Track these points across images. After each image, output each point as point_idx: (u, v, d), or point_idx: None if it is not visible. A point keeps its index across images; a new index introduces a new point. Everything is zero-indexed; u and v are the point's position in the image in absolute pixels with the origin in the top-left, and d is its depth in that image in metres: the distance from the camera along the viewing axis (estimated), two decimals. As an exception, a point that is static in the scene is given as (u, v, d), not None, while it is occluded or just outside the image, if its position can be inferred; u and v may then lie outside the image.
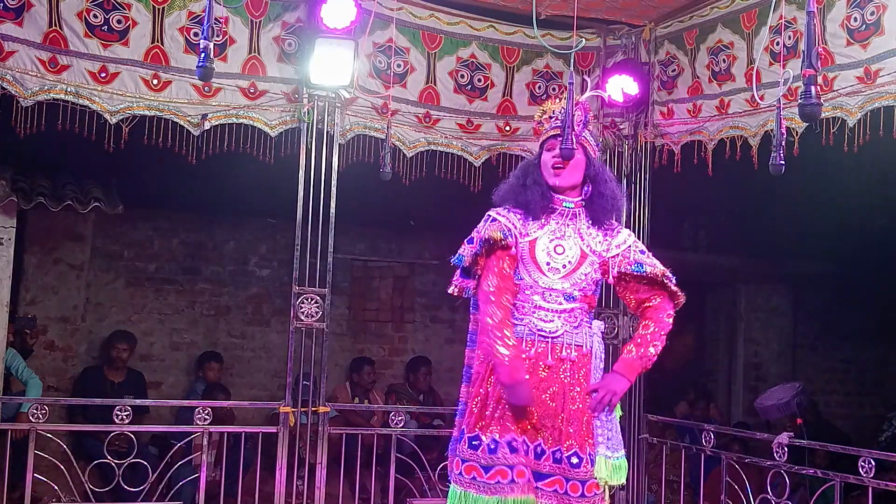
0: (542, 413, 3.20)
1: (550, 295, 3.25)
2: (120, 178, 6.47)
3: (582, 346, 3.27)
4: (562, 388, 3.21)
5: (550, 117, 3.38)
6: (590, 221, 3.33)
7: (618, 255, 3.31)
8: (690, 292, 3.41)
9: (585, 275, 3.28)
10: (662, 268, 3.33)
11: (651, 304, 3.33)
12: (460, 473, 3.21)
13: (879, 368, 9.49)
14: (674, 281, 3.34)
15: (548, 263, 3.26)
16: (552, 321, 3.24)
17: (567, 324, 3.25)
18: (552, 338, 3.24)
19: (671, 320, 3.32)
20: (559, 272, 3.26)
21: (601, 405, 3.21)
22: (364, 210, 6.52)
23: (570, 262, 3.27)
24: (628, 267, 3.30)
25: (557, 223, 3.31)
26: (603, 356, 3.36)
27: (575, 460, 3.15)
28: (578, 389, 3.23)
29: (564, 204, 3.32)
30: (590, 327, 3.33)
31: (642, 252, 3.36)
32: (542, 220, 3.31)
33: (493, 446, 3.17)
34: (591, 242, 3.31)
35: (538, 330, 3.24)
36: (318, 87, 5.04)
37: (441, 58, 5.47)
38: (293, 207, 5.06)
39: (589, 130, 3.42)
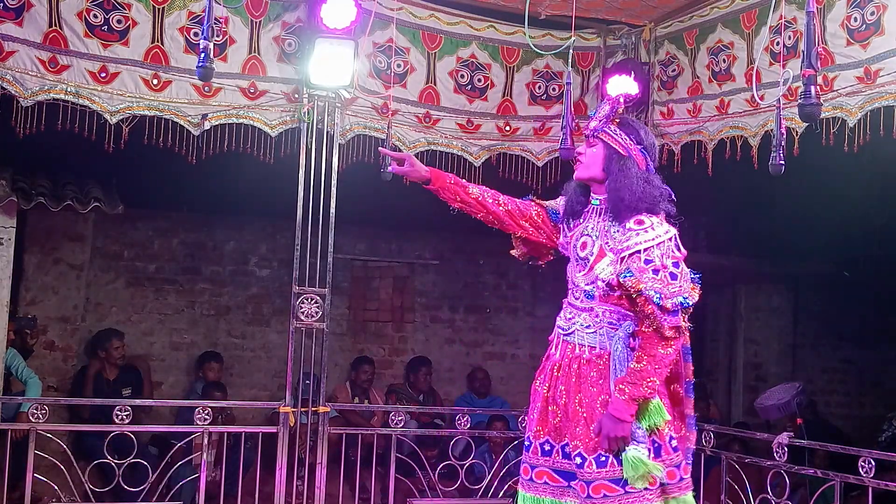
0: (562, 412, 3.18)
1: (576, 291, 3.24)
2: (120, 178, 6.47)
3: (595, 346, 3.14)
4: (569, 387, 3.16)
5: (589, 116, 3.31)
6: (611, 217, 3.18)
7: (625, 256, 3.05)
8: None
9: (598, 274, 3.15)
10: (654, 292, 2.93)
11: (643, 330, 2.99)
12: (521, 474, 3.33)
13: (879, 368, 9.47)
14: (663, 316, 2.93)
15: (577, 258, 3.26)
16: (570, 318, 3.22)
17: (582, 322, 3.17)
18: (565, 335, 3.22)
19: (670, 350, 2.97)
20: (582, 268, 3.22)
21: (609, 451, 3.00)
22: (364, 210, 6.52)
23: (589, 257, 3.20)
24: (620, 269, 3.03)
25: (588, 219, 3.28)
26: (622, 359, 3.06)
27: (578, 460, 3.08)
28: (593, 391, 3.10)
29: (593, 201, 3.29)
30: (612, 328, 3.11)
31: (648, 262, 2.98)
32: (583, 217, 3.31)
33: (527, 444, 3.26)
34: (611, 240, 3.14)
35: (558, 327, 3.28)
36: (318, 87, 5.04)
37: (441, 58, 5.47)
38: (293, 207, 5.06)
39: (618, 124, 3.19)
